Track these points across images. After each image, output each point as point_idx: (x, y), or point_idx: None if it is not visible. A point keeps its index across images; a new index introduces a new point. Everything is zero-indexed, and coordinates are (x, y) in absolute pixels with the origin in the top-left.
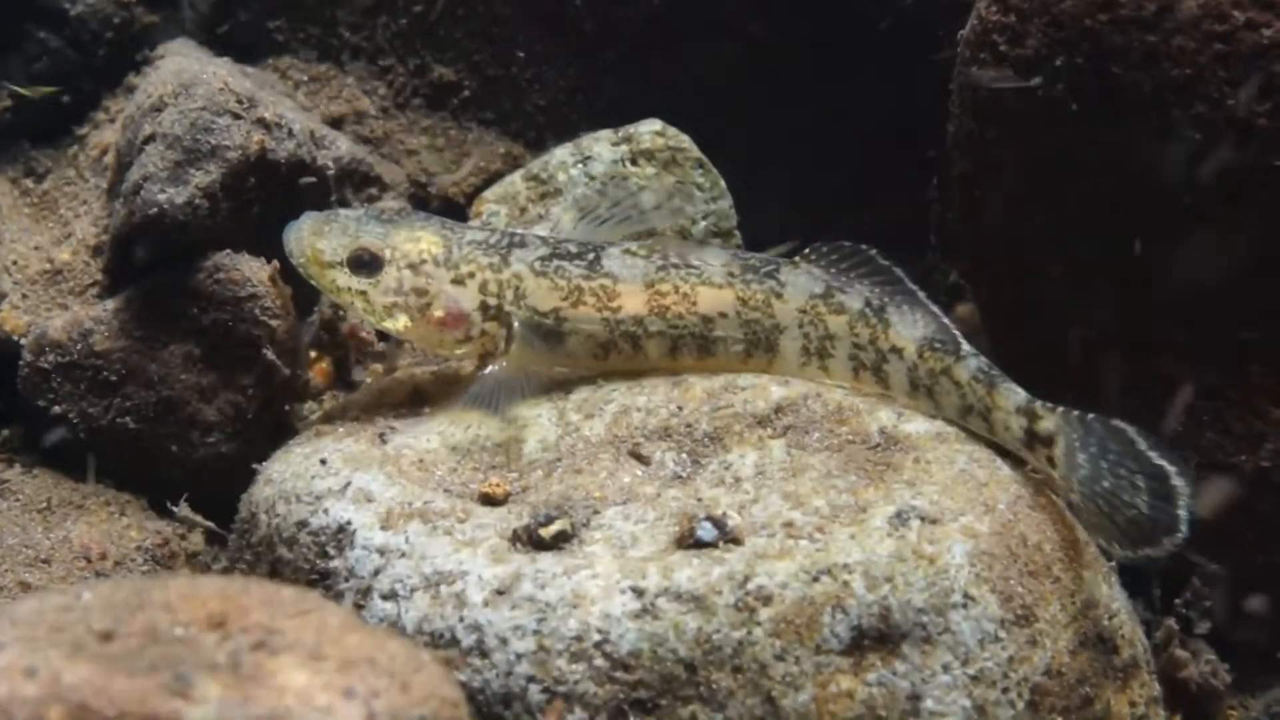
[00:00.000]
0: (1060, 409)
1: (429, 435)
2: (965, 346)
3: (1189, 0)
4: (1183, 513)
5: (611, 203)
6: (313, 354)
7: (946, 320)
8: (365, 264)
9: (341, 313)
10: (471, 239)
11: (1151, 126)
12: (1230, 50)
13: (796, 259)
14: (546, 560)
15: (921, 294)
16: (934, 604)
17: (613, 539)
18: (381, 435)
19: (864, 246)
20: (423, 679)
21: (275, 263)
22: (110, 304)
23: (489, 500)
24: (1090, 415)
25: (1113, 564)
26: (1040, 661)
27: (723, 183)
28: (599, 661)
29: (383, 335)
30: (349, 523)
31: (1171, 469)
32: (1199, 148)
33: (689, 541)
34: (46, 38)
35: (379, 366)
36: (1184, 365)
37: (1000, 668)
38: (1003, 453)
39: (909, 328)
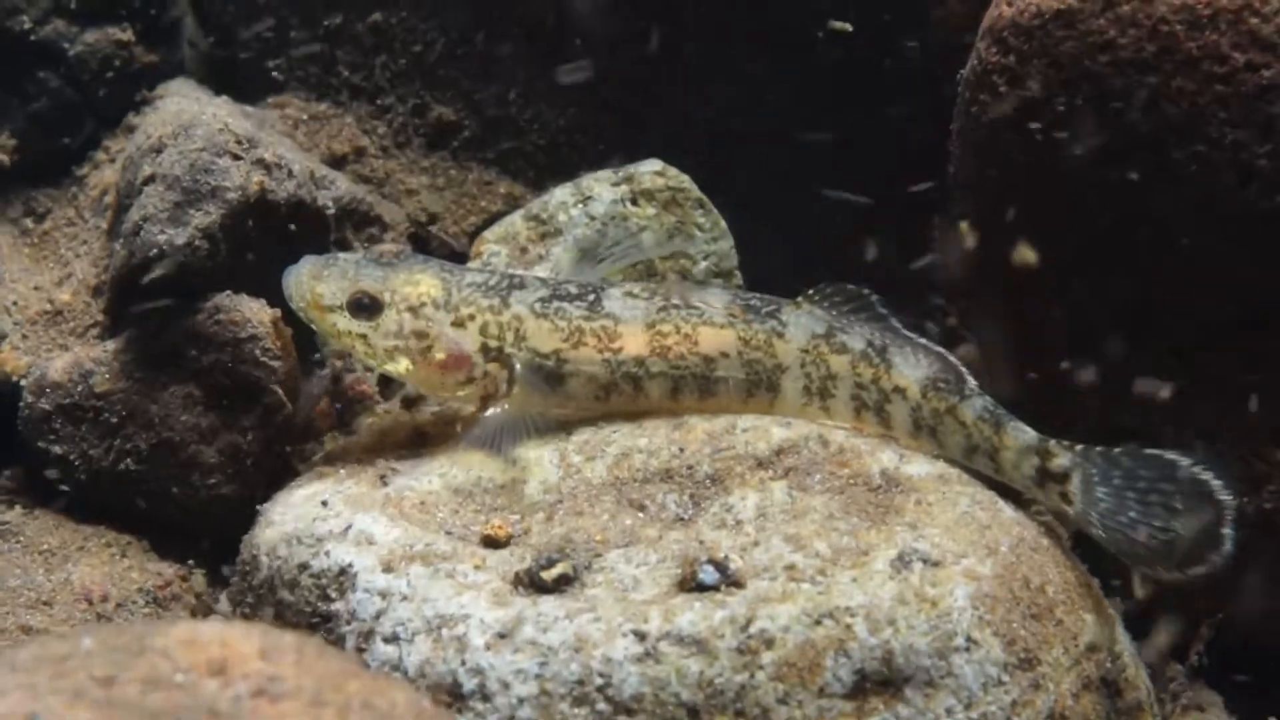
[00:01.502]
0: (1077, 445)
1: (430, 477)
2: (971, 385)
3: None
4: (1228, 530)
5: (611, 243)
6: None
7: (953, 359)
8: (365, 307)
9: (346, 363)
10: (471, 281)
11: (1151, 168)
12: (1230, 91)
13: (799, 299)
14: (548, 603)
15: (919, 339)
16: (937, 647)
17: (614, 582)
18: (383, 477)
19: (865, 291)
20: None
21: (278, 310)
22: (110, 345)
23: (491, 542)
24: (1116, 449)
25: (1118, 604)
26: (1044, 705)
27: (723, 223)
28: (601, 705)
29: (384, 379)
30: (350, 565)
31: (1216, 483)
32: (1200, 189)
33: (691, 585)
34: (46, 77)
35: (381, 408)
36: (1184, 406)
37: (1004, 712)
38: (1005, 494)
39: (912, 368)
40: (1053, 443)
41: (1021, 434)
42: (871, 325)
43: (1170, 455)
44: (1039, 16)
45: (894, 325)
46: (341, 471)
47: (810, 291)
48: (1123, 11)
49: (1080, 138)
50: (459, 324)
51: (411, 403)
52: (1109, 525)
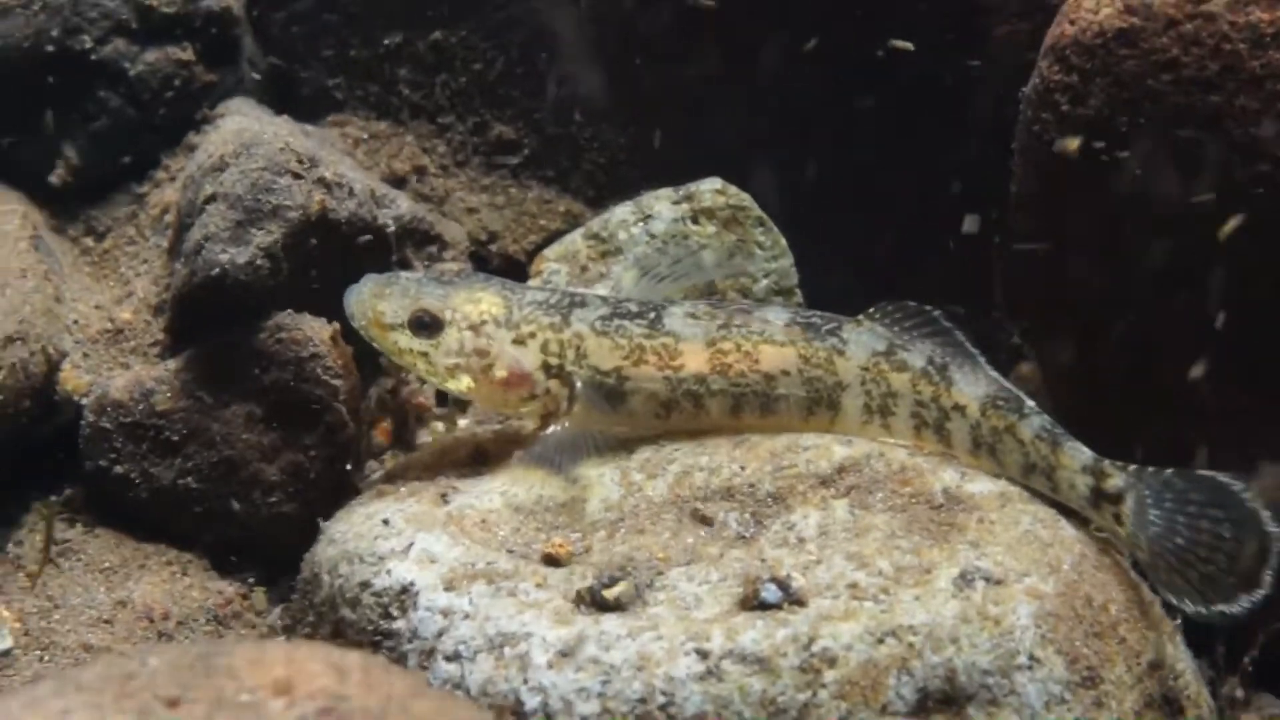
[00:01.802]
0: (1131, 466)
1: (491, 495)
2: (1028, 405)
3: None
4: (1270, 569)
5: (672, 261)
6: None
7: (1008, 384)
8: (426, 325)
9: (403, 375)
10: (532, 299)
11: (1215, 187)
12: None
13: (860, 317)
14: (610, 622)
15: (981, 358)
16: (999, 666)
17: (676, 600)
18: (444, 495)
19: (928, 308)
20: None
21: (336, 324)
22: (172, 364)
23: (552, 561)
24: (1169, 470)
25: (1178, 623)
26: None
27: (783, 241)
28: None
29: (444, 396)
30: (412, 584)
31: (1265, 512)
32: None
33: (753, 603)
34: (106, 96)
35: (440, 425)
36: (1247, 428)
37: None
38: (1067, 512)
39: (971, 385)
40: (1107, 463)
41: (1078, 454)
42: (933, 342)
43: (1222, 478)
44: (1101, 35)
45: (959, 339)
46: (402, 489)
47: (872, 309)
48: (1185, 30)
49: (1142, 156)
50: (520, 342)
51: (463, 406)
52: (1155, 550)
